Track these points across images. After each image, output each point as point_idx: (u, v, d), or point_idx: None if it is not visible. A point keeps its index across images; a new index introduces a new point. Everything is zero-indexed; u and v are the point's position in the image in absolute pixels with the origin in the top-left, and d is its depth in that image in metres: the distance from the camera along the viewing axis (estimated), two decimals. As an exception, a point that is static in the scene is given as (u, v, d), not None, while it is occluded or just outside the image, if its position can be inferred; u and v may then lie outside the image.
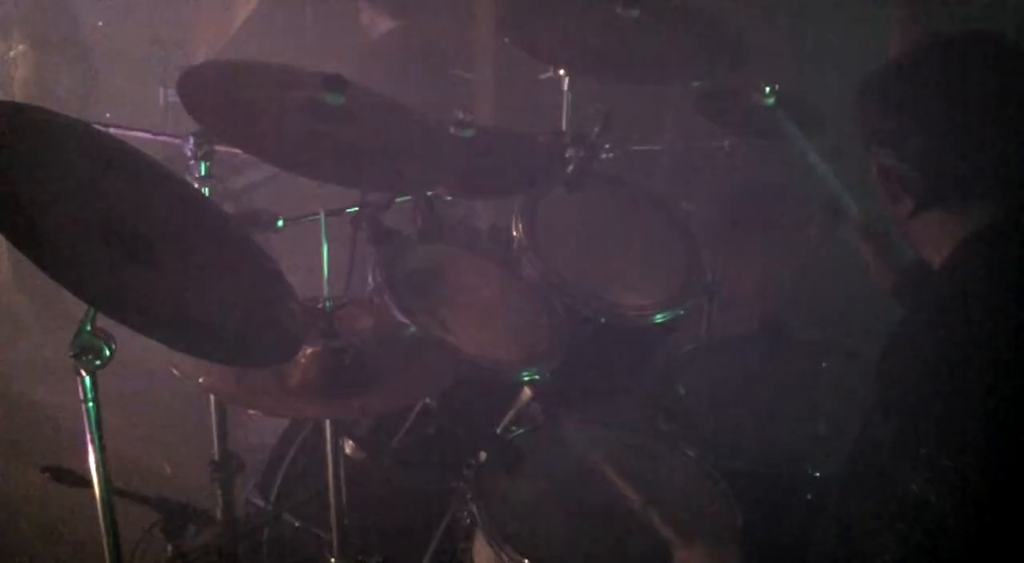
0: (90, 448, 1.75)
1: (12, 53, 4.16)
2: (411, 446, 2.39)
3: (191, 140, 2.38)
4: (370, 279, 2.47)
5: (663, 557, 1.99)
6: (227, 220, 2.08)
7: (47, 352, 4.01)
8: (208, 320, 1.75)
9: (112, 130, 2.11)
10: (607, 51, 2.81)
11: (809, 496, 2.34)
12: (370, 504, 2.44)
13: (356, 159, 2.18)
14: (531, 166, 2.78)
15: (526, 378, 2.42)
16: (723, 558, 1.91)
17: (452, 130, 2.53)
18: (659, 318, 2.66)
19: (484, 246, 2.77)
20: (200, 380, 2.06)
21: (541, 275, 2.64)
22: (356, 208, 2.43)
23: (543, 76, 2.92)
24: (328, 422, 2.23)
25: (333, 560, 2.34)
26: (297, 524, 2.55)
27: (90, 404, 1.72)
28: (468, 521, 2.17)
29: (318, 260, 2.25)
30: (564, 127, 2.87)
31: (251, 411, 2.53)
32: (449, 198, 2.84)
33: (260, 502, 2.66)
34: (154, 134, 2.60)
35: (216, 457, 2.57)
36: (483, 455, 2.19)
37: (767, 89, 2.82)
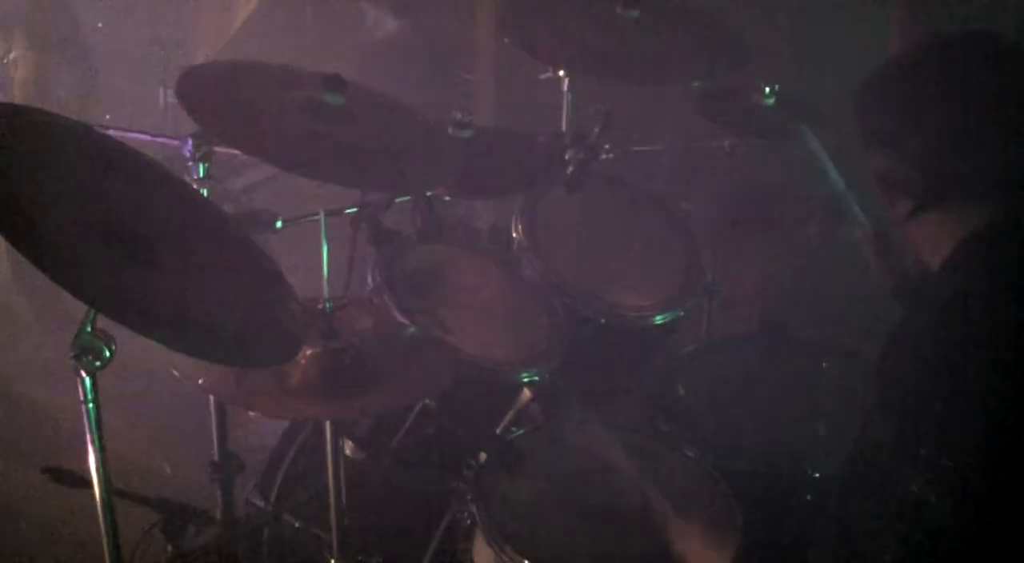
0: (90, 448, 1.75)
1: (12, 54, 4.15)
2: (411, 446, 2.39)
3: (189, 142, 2.38)
4: (370, 279, 2.47)
5: (663, 557, 1.99)
6: (227, 220, 2.08)
7: (47, 352, 4.00)
8: (208, 320, 1.75)
9: (111, 132, 2.11)
10: (607, 51, 2.81)
11: (809, 496, 2.34)
12: (370, 504, 2.44)
13: (356, 159, 2.18)
14: (531, 166, 2.78)
15: (526, 379, 2.42)
16: (721, 543, 1.92)
17: (451, 130, 2.53)
18: (659, 319, 2.66)
19: (484, 246, 2.77)
20: (200, 381, 2.07)
21: (541, 275, 2.64)
22: (356, 208, 2.43)
23: (543, 76, 2.92)
24: (328, 422, 2.23)
25: (333, 560, 2.34)
26: (297, 524, 2.55)
27: (90, 405, 1.72)
28: (468, 521, 2.17)
29: (318, 260, 2.25)
30: (564, 127, 2.87)
31: (251, 412, 2.52)
32: (449, 198, 2.84)
33: (260, 502, 2.66)
34: (153, 136, 2.60)
35: (216, 457, 2.58)
36: (483, 455, 2.19)
37: (767, 89, 2.82)
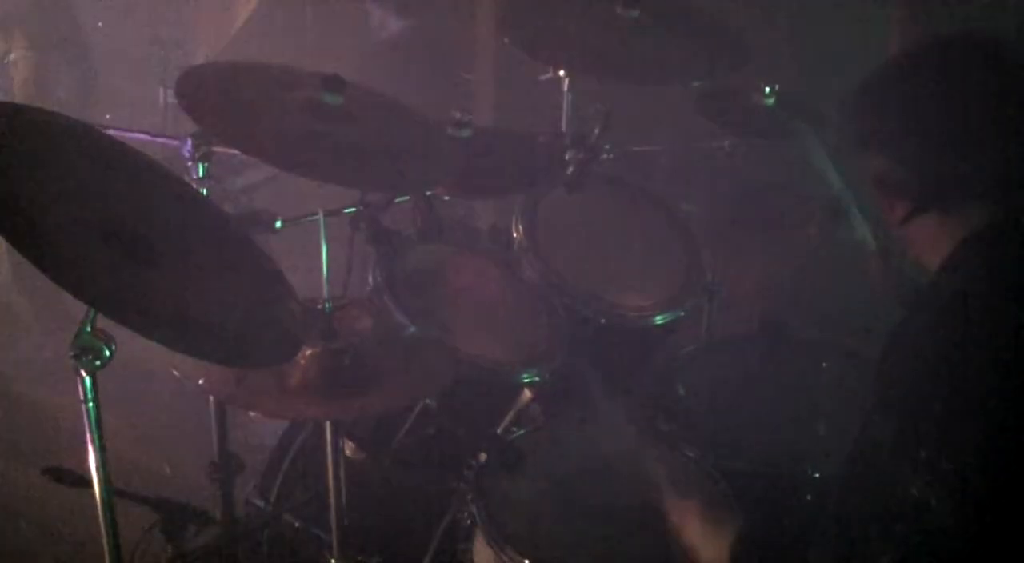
0: (90, 448, 1.75)
1: (12, 54, 4.16)
2: (411, 446, 2.39)
3: (189, 142, 2.38)
4: (370, 279, 2.47)
5: (663, 557, 1.99)
6: (227, 220, 2.08)
7: (47, 352, 4.01)
8: (208, 320, 1.75)
9: (111, 132, 2.11)
10: (607, 51, 2.80)
11: (809, 496, 2.34)
12: (370, 504, 2.44)
13: (356, 159, 2.18)
14: (531, 166, 2.78)
15: (526, 379, 2.42)
16: (721, 542, 1.92)
17: (451, 130, 2.53)
18: (659, 319, 2.66)
19: (484, 246, 2.77)
20: (200, 381, 2.07)
21: (541, 275, 2.64)
22: (355, 208, 2.43)
23: (543, 77, 2.91)
24: (328, 422, 2.23)
25: (333, 560, 2.34)
26: (297, 524, 2.55)
27: (90, 404, 1.72)
28: (468, 521, 2.17)
29: (318, 260, 2.25)
30: (564, 127, 2.87)
31: (251, 412, 2.52)
32: (449, 198, 2.84)
33: (260, 502, 2.65)
34: (153, 136, 2.60)
35: (216, 457, 2.57)
36: (483, 455, 2.19)
37: (767, 89, 2.83)
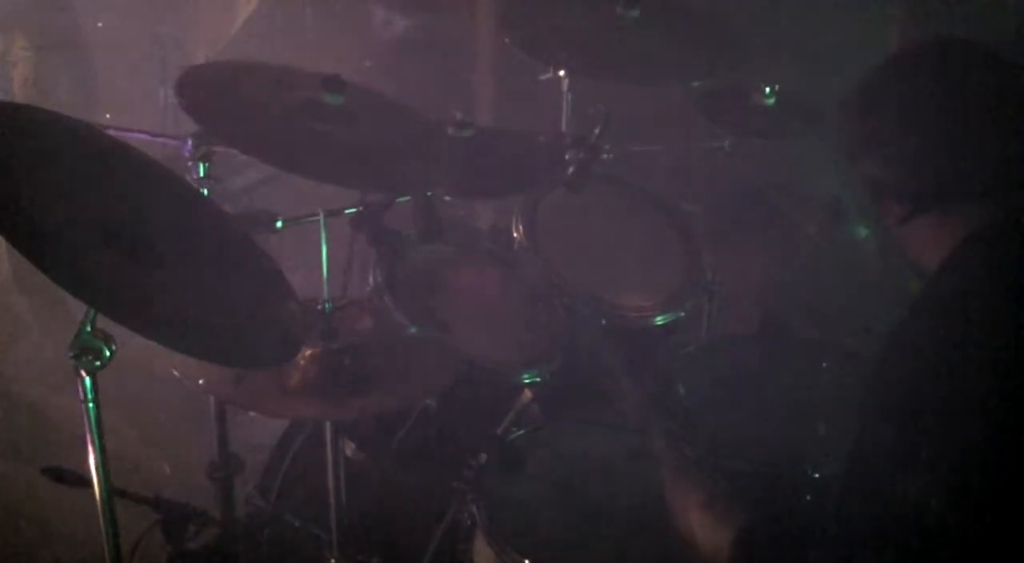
0: (90, 448, 1.75)
1: (12, 54, 4.15)
2: (411, 446, 2.39)
3: (189, 141, 2.38)
4: (370, 280, 2.47)
5: (663, 557, 1.99)
6: (227, 220, 2.08)
7: (47, 352, 4.01)
8: (208, 320, 1.75)
9: (111, 132, 2.11)
10: (607, 51, 2.81)
11: (809, 496, 2.34)
12: (370, 504, 2.44)
13: (356, 159, 2.18)
14: (531, 166, 2.78)
15: (526, 379, 2.42)
16: (717, 519, 1.92)
17: (451, 130, 2.52)
18: (659, 319, 2.67)
19: (484, 246, 2.77)
20: (200, 381, 2.07)
21: (541, 275, 2.64)
22: (356, 208, 2.43)
23: (543, 76, 2.91)
24: (328, 422, 2.23)
25: (333, 560, 2.34)
26: (297, 524, 2.55)
27: (90, 404, 1.72)
28: (468, 521, 2.17)
29: (318, 260, 2.25)
30: (564, 127, 2.87)
31: (251, 412, 2.53)
32: (449, 198, 2.84)
33: (260, 502, 2.66)
34: (153, 135, 2.60)
35: (216, 457, 2.57)
36: (483, 455, 2.19)
37: (767, 89, 2.83)
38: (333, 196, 2.38)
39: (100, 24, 4.63)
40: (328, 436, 2.24)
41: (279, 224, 2.37)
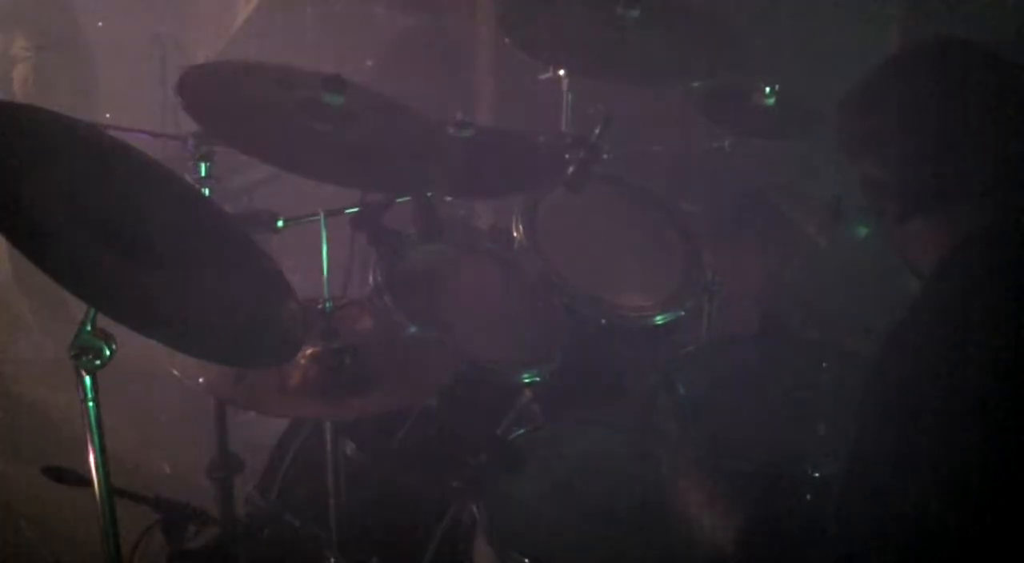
0: (90, 448, 1.75)
1: (12, 53, 4.15)
2: (411, 446, 2.39)
3: (189, 141, 2.38)
4: (370, 280, 2.47)
5: (664, 557, 1.99)
6: (227, 220, 2.08)
7: (47, 352, 4.01)
8: (208, 320, 1.75)
9: (112, 131, 2.11)
10: (607, 51, 2.81)
11: (809, 496, 2.34)
12: (370, 504, 2.44)
13: (356, 159, 2.18)
14: (531, 166, 2.78)
15: (527, 380, 2.42)
16: (717, 519, 1.92)
17: (451, 130, 2.52)
18: (659, 319, 2.67)
19: (484, 246, 2.77)
20: (200, 381, 2.07)
21: (541, 275, 2.64)
22: (356, 208, 2.43)
23: (543, 76, 2.91)
24: (328, 422, 2.23)
25: (333, 560, 2.34)
26: (297, 524, 2.55)
27: (90, 404, 1.72)
28: (468, 521, 2.17)
29: (318, 260, 2.25)
30: (564, 127, 2.87)
31: (251, 412, 2.52)
32: (449, 198, 2.84)
33: (260, 502, 2.65)
34: (153, 135, 2.60)
35: (216, 457, 2.57)
36: (483, 455, 2.19)
37: (767, 89, 2.83)
38: (333, 196, 2.38)
39: (100, 24, 4.63)
40: (328, 436, 2.23)
41: (279, 224, 2.37)
